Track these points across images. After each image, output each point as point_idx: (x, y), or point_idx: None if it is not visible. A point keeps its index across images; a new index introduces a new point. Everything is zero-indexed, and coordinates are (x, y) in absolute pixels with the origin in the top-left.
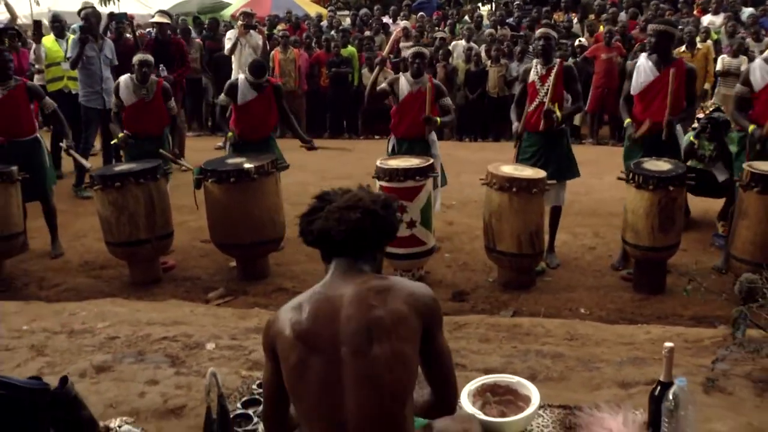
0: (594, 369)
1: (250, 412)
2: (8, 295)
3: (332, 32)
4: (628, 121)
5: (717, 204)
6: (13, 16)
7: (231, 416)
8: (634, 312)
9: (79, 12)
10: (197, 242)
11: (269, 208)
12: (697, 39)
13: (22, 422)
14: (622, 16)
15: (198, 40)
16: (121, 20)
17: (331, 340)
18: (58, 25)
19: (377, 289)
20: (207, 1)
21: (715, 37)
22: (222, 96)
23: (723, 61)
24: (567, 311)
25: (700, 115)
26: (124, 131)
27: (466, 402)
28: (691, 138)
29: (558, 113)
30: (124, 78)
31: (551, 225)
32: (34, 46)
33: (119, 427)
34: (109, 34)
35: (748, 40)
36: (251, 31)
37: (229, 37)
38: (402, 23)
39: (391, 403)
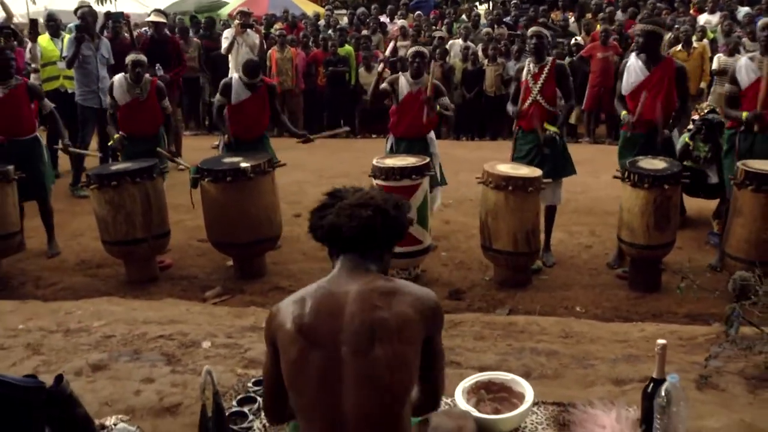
0: (588, 366)
1: (246, 409)
2: (5, 294)
3: (329, 31)
4: (624, 113)
5: (712, 202)
6: (9, 15)
7: (226, 414)
8: (630, 310)
9: (75, 11)
10: (194, 241)
11: (266, 207)
12: (693, 38)
13: (18, 420)
14: (619, 15)
15: (196, 39)
16: (117, 19)
17: (333, 337)
18: (53, 24)
19: (383, 290)
20: (204, 0)
21: (711, 36)
22: (217, 96)
23: (719, 60)
24: (563, 309)
25: (695, 117)
26: (120, 132)
27: (460, 399)
28: (686, 139)
29: (553, 129)
30: (118, 77)
31: (547, 223)
32: (29, 45)
33: (115, 425)
34: (105, 33)
35: (744, 39)
36: (248, 30)
37: (226, 36)
38: (399, 22)
39: (390, 403)
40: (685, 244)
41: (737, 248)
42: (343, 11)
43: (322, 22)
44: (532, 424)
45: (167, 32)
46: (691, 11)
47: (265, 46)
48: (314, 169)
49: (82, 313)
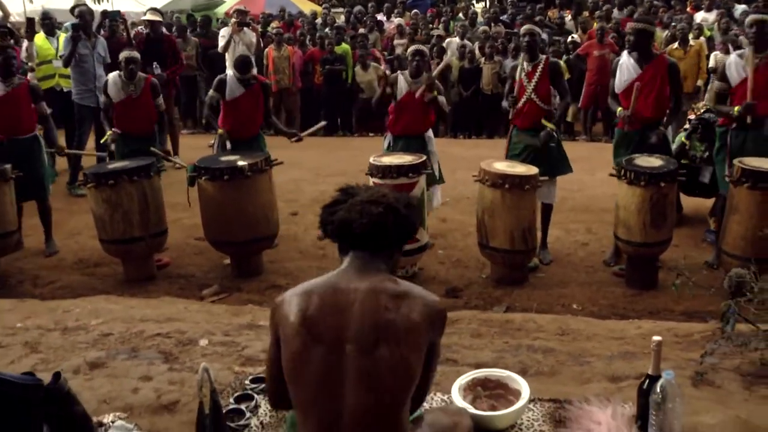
0: (584, 363)
1: (243, 407)
2: (3, 293)
3: (326, 29)
4: (620, 109)
5: (709, 200)
6: (6, 14)
7: (224, 411)
8: (626, 307)
9: (71, 9)
10: (191, 240)
11: (263, 205)
12: (690, 36)
13: (16, 417)
14: (616, 12)
15: (194, 37)
16: (114, 18)
17: (338, 333)
18: (48, 22)
19: (392, 292)
20: None
21: (708, 34)
22: (210, 91)
23: (716, 58)
24: (559, 307)
25: (692, 116)
26: (113, 129)
27: (456, 396)
28: (683, 138)
29: (550, 126)
30: (112, 75)
31: (543, 221)
32: (26, 44)
33: (113, 422)
34: (102, 31)
35: (741, 37)
36: (245, 29)
37: (223, 35)
38: (396, 20)
39: (390, 404)
40: (682, 241)
41: (734, 245)
42: (340, 9)
43: (319, 20)
44: (528, 420)
45: (164, 30)
46: (688, 9)
47: (262, 45)
48: (311, 168)
49: (80, 311)
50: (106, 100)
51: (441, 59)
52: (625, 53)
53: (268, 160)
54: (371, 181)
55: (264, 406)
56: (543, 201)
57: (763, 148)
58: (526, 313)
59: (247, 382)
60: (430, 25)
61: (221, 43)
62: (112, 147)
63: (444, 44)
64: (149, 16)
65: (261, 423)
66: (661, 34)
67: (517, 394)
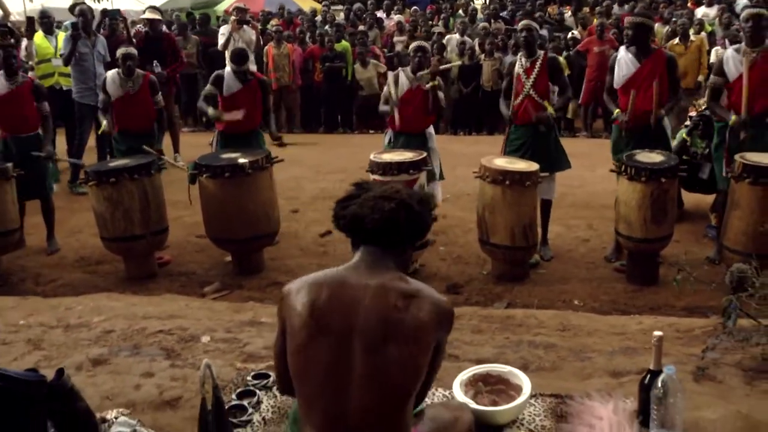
0: (586, 359)
1: (245, 403)
2: (5, 290)
3: (326, 27)
4: (617, 111)
5: (710, 196)
6: (6, 13)
7: (226, 407)
8: (627, 303)
9: (70, 8)
10: (192, 237)
11: (264, 202)
12: (691, 31)
13: (19, 413)
14: (616, 8)
15: (194, 36)
16: (114, 16)
17: (345, 329)
18: (47, 21)
19: (403, 291)
20: None
21: (709, 29)
22: (208, 86)
23: (717, 54)
24: (560, 303)
25: (693, 113)
26: (106, 119)
27: (458, 391)
28: (684, 135)
29: (549, 108)
30: (111, 73)
31: (542, 217)
32: (25, 42)
33: (116, 418)
34: (102, 30)
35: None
36: (244, 27)
37: (223, 33)
38: (396, 17)
39: (395, 403)
40: (683, 237)
41: (735, 241)
42: (340, 7)
43: (318, 17)
44: (529, 415)
45: (164, 28)
46: (689, 4)
47: (261, 42)
48: (311, 165)
49: (82, 308)
50: (105, 98)
51: (441, 56)
52: (622, 48)
53: (268, 158)
54: (372, 178)
55: (266, 402)
56: (542, 197)
57: (761, 144)
58: (527, 309)
59: (249, 378)
60: (430, 22)
61: (221, 40)
62: (112, 131)
63: (444, 41)
64: (148, 15)
65: (263, 419)
66: (662, 29)
67: (518, 390)
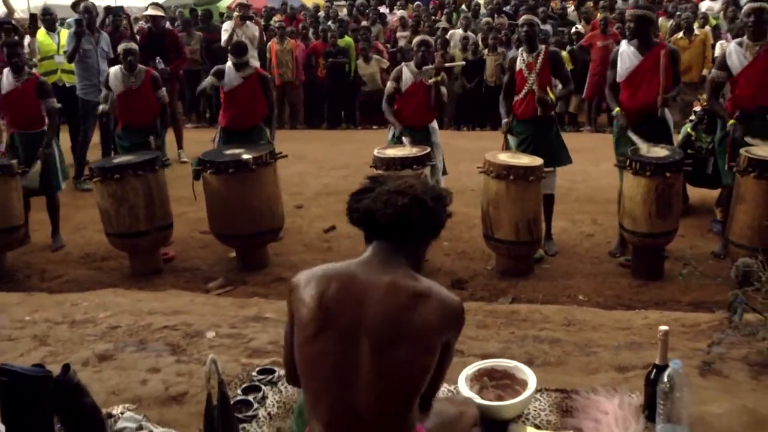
0: (591, 354)
1: (251, 398)
2: (11, 287)
3: (329, 22)
4: (617, 110)
5: (715, 191)
6: (10, 11)
7: (231, 402)
8: (632, 298)
9: (73, 5)
10: (197, 233)
11: (268, 198)
12: (695, 25)
13: (26, 409)
14: (620, 2)
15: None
16: (117, 13)
17: (354, 325)
18: (49, 18)
19: (414, 290)
20: None
21: (713, 22)
22: (208, 77)
23: (722, 47)
24: (565, 298)
25: (697, 108)
26: (102, 107)
27: (463, 386)
28: (689, 130)
29: (551, 95)
30: (113, 69)
31: (546, 213)
32: (28, 39)
33: (122, 413)
34: (105, 27)
35: None
36: (247, 23)
37: (226, 29)
38: (399, 13)
39: (401, 402)
40: (688, 231)
41: (740, 235)
42: (343, 2)
43: (321, 13)
44: (535, 410)
45: (167, 25)
46: None
47: (264, 38)
48: (315, 161)
49: (88, 304)
50: (107, 93)
51: (445, 51)
52: (624, 42)
53: (272, 154)
54: (375, 173)
55: (271, 397)
56: (544, 192)
57: (765, 139)
58: (531, 304)
59: (254, 373)
60: (433, 17)
61: (224, 37)
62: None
63: (447, 36)
64: (151, 11)
65: (269, 414)
66: (666, 23)
67: (523, 384)
